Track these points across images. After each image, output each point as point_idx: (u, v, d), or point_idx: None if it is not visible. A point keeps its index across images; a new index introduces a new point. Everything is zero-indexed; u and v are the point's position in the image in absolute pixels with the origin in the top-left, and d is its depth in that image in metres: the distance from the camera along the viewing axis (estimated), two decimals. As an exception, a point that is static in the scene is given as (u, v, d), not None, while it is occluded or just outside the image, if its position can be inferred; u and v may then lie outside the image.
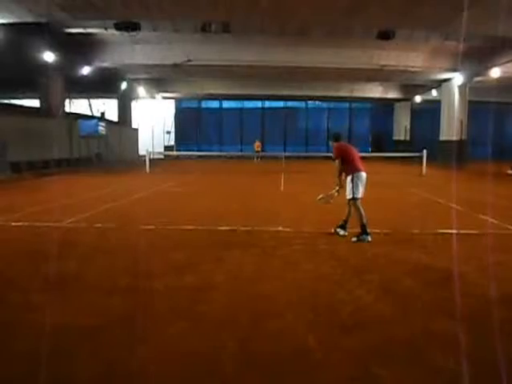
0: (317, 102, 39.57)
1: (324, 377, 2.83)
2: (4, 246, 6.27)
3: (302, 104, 40.07)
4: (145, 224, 7.67)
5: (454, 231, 7.21)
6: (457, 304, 3.95)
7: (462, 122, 25.21)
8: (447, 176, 19.15)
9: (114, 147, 26.18)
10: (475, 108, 28.39)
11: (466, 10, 13.39)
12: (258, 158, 28.98)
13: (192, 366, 2.96)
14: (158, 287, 4.45)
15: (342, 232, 6.89)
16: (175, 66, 22.36)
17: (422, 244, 6.43)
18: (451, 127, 25.62)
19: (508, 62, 20.14)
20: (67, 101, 25.30)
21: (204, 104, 40.25)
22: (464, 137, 25.37)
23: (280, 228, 7.39)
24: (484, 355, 3.08)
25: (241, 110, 40.04)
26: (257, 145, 30.58)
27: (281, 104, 39.70)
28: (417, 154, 20.51)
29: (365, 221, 6.60)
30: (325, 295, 4.27)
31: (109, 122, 27.53)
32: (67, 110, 24.14)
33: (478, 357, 3.05)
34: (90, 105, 33.70)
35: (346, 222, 6.90)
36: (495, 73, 21.20)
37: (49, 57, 18.77)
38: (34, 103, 25.05)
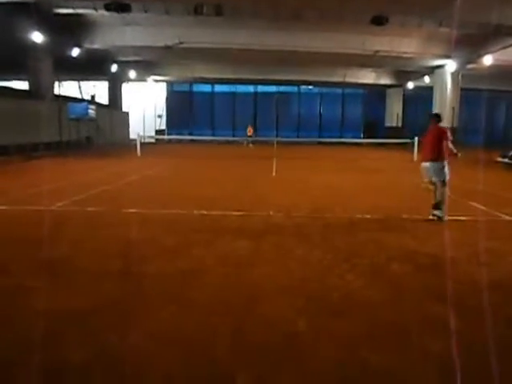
0: (309, 87, 39.37)
1: (314, 361, 2.86)
2: (-7, 230, 6.21)
3: (294, 89, 39.88)
4: (136, 208, 7.63)
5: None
6: (446, 289, 4.00)
7: (453, 109, 25.27)
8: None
9: (104, 131, 25.94)
10: (467, 95, 28.47)
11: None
12: (249, 142, 28.87)
13: (183, 350, 2.97)
14: (149, 271, 4.44)
15: (438, 213, 7.02)
16: (167, 48, 22.07)
17: (413, 230, 6.48)
18: (443, 114, 25.63)
19: (501, 49, 20.16)
20: (56, 83, 24.91)
21: (196, 88, 39.91)
22: (456, 124, 25.45)
23: (271, 213, 7.39)
24: (473, 339, 3.12)
25: (233, 94, 39.78)
26: (249, 129, 30.45)
27: (273, 88, 39.48)
28: (408, 141, 20.60)
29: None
30: (315, 280, 4.30)
31: (99, 105, 27.23)
32: (56, 92, 23.78)
33: (467, 341, 3.09)
34: (79, 87, 33.24)
35: (438, 203, 7.03)
36: (488, 60, 21.21)
37: (37, 37, 18.43)
38: (23, 85, 24.62)
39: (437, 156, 7.03)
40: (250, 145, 28.66)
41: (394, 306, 3.74)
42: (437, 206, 7.06)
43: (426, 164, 7.17)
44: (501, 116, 39.77)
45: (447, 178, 7.04)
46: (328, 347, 3.01)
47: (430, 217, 7.08)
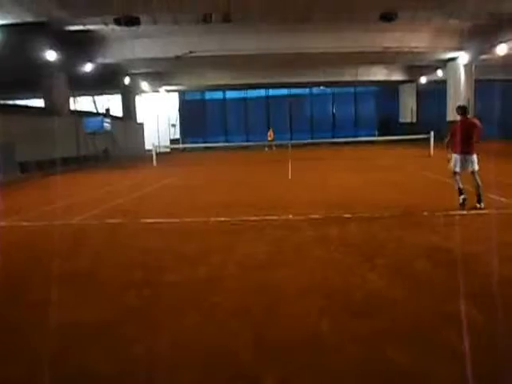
0: (321, 88, 39.27)
1: (337, 361, 2.85)
2: (17, 246, 6.34)
3: (306, 91, 39.82)
4: (154, 218, 7.71)
5: (465, 212, 7.17)
6: (469, 285, 3.94)
7: (468, 102, 24.90)
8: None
9: (120, 143, 26.27)
10: (481, 87, 28.01)
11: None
12: (270, 146, 28.63)
13: (207, 356, 2.99)
14: (169, 280, 4.48)
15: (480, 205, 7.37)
16: (177, 58, 22.28)
17: (433, 226, 6.41)
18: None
19: (514, 38, 19.80)
20: (71, 99, 25.35)
21: (208, 95, 40.16)
22: (471, 116, 25.09)
23: (290, 216, 7.39)
24: (497, 335, 3.07)
25: (245, 99, 39.90)
26: (269, 134, 30.25)
27: (285, 92, 39.47)
28: (424, 136, 20.35)
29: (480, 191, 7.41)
30: (336, 281, 4.28)
31: (114, 117, 27.60)
32: (72, 107, 24.20)
33: (492, 338, 3.05)
34: (94, 101, 33.74)
35: (479, 194, 7.42)
36: (501, 50, 20.85)
37: (51, 56, 18.81)
38: (39, 103, 25.12)
39: (473, 148, 7.50)
40: (274, 148, 28.45)
41: (416, 303, 3.70)
42: (480, 198, 7.37)
43: (459, 157, 7.50)
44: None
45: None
46: (352, 347, 3.00)
47: (478, 207, 7.33)
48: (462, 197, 7.36)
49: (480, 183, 7.40)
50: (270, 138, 29.74)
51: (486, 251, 5.02)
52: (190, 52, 21.62)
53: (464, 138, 7.42)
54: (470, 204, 7.33)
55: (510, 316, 3.31)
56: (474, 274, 4.28)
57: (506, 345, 2.89)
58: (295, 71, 30.93)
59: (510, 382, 2.57)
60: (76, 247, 5.97)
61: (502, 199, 8.08)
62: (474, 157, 7.47)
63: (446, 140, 7.87)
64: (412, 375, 2.68)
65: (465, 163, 7.46)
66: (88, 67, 21.98)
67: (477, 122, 7.69)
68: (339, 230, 6.37)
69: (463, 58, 24.04)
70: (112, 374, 2.82)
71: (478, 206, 7.31)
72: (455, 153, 7.59)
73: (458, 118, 7.89)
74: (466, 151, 7.44)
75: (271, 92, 39.51)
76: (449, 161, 7.80)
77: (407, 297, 3.81)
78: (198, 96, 40.11)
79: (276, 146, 28.42)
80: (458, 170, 7.54)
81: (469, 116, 7.87)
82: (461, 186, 7.48)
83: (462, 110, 7.84)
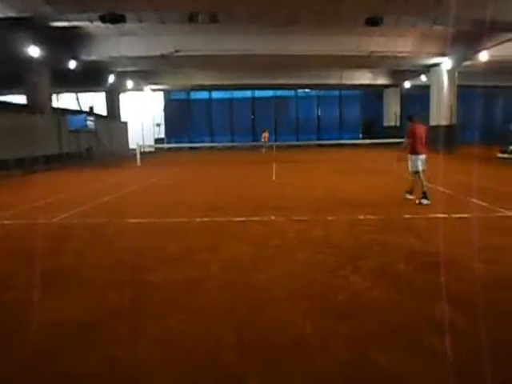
0: (306, 91, 39.46)
1: (322, 363, 2.85)
2: (-4, 244, 6.21)
3: (291, 93, 39.98)
4: (137, 218, 7.64)
5: (446, 215, 7.26)
6: (450, 288, 3.98)
7: (451, 107, 25.28)
8: (437, 161, 19.22)
9: (103, 141, 26.00)
10: (464, 92, 28.48)
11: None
12: (265, 148, 28.17)
13: (190, 357, 2.96)
14: (153, 280, 4.44)
15: (425, 201, 8.32)
16: (163, 57, 22.14)
17: (415, 229, 6.48)
18: (441, 112, 25.69)
19: (496, 44, 20.18)
20: (54, 96, 25.00)
21: (193, 95, 40.00)
22: (454, 121, 25.47)
23: (273, 218, 7.39)
24: (478, 338, 3.11)
25: (230, 100, 39.86)
26: (264, 135, 29.73)
27: (270, 93, 39.57)
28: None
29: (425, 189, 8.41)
30: (320, 283, 4.29)
31: (97, 116, 27.29)
32: (55, 105, 23.85)
33: (472, 340, 3.08)
34: (77, 99, 33.36)
35: (424, 192, 8.39)
36: (484, 56, 21.22)
37: (34, 51, 18.50)
38: (21, 99, 24.71)
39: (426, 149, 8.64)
40: (263, 150, 27.85)
41: (399, 306, 3.73)
42: (425, 195, 8.34)
43: (422, 157, 8.52)
44: (498, 112, 39.75)
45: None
46: (336, 349, 3.01)
47: (417, 201, 8.41)
48: (426, 201, 8.26)
49: (425, 181, 8.47)
50: (265, 139, 29.47)
51: (468, 254, 5.09)
52: (176, 51, 21.50)
53: (421, 141, 8.52)
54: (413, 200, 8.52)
55: (490, 318, 3.35)
56: (456, 276, 4.33)
57: (487, 347, 2.93)
58: (281, 73, 31.02)
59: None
60: (56, 246, 5.88)
61: (484, 204, 8.21)
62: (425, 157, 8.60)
63: (406, 143, 8.69)
64: (394, 377, 2.69)
65: (423, 163, 8.50)
66: (72, 64, 21.66)
67: (426, 127, 8.97)
68: (322, 231, 6.38)
69: (446, 63, 24.40)
70: (93, 374, 2.78)
71: (425, 202, 8.25)
72: (416, 154, 8.47)
73: (412, 124, 8.81)
74: (423, 152, 8.53)
75: (257, 93, 39.56)
76: (398, 160, 8.94)
77: (390, 299, 3.84)
78: (183, 96, 39.93)
79: (266, 148, 27.90)
80: (421, 168, 8.47)
81: (417, 122, 8.86)
82: (425, 182, 8.46)
83: (410, 118, 8.98)
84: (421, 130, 8.60)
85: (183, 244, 5.88)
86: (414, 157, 8.50)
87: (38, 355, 3.01)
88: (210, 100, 39.97)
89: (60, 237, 6.46)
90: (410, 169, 8.65)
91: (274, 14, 17.51)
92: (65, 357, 3.00)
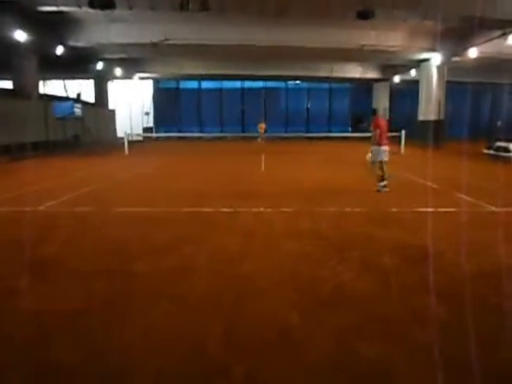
0: (296, 82, 39.37)
1: (307, 354, 2.88)
2: (-20, 231, 6.14)
3: (281, 84, 39.83)
4: (125, 207, 7.61)
5: (432, 209, 7.35)
6: (435, 281, 4.05)
7: (439, 102, 25.46)
8: (425, 155, 19.44)
9: (91, 129, 25.70)
10: (453, 88, 28.69)
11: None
12: (261, 138, 27.93)
13: (176, 348, 2.98)
14: (140, 270, 4.44)
15: (383, 185, 9.13)
16: (152, 45, 21.85)
17: (401, 222, 6.55)
18: (429, 107, 25.86)
19: (485, 42, 20.31)
20: (41, 82, 24.58)
21: (182, 84, 39.62)
22: (442, 117, 25.66)
23: (261, 209, 7.41)
24: (461, 330, 3.17)
25: (220, 90, 39.57)
26: (261, 126, 29.39)
27: (260, 84, 39.37)
28: (396, 134, 20.73)
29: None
30: (307, 274, 4.33)
31: (85, 103, 26.94)
32: (42, 91, 23.46)
33: (456, 331, 3.15)
34: (65, 86, 32.85)
35: (384, 177, 9.15)
36: (473, 53, 21.37)
37: (21, 36, 18.13)
38: (7, 85, 24.26)
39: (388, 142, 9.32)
40: (260, 139, 27.75)
41: (384, 297, 3.78)
42: (383, 179, 9.10)
43: (385, 148, 9.13)
44: (486, 108, 40.16)
45: None
46: (322, 340, 3.04)
47: (379, 188, 9.10)
48: (385, 182, 9.09)
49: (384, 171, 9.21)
50: (261, 130, 29.10)
51: (453, 247, 5.17)
52: (166, 39, 21.25)
53: (385, 133, 9.17)
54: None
55: (474, 310, 3.41)
56: (441, 268, 4.40)
57: (470, 338, 2.99)
58: (271, 64, 30.86)
59: (474, 376, 2.66)
60: (43, 235, 5.83)
61: (469, 199, 8.33)
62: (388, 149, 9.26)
63: (374, 134, 9.18)
64: (379, 367, 2.74)
65: (385, 154, 9.13)
66: (59, 50, 21.26)
67: (387, 121, 9.75)
68: (310, 223, 6.42)
69: (436, 59, 24.52)
70: (78, 364, 2.78)
71: (382, 184, 9.10)
72: (379, 145, 9.08)
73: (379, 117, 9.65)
74: (386, 144, 9.18)
75: (247, 84, 39.33)
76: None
77: (376, 290, 3.89)
78: (172, 84, 39.52)
79: (263, 138, 27.79)
80: (385, 158, 9.14)
81: (380, 116, 9.74)
82: (386, 175, 9.18)
83: (374, 112, 9.93)
84: (383, 123, 9.27)
85: (170, 234, 5.87)
86: (378, 148, 9.09)
87: (24, 345, 3.00)
88: (199, 90, 39.64)
89: (46, 225, 6.41)
90: (370, 159, 9.26)
91: (265, 5, 17.38)
92: (48, 346, 2.99)
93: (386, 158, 9.14)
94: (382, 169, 9.18)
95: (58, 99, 24.84)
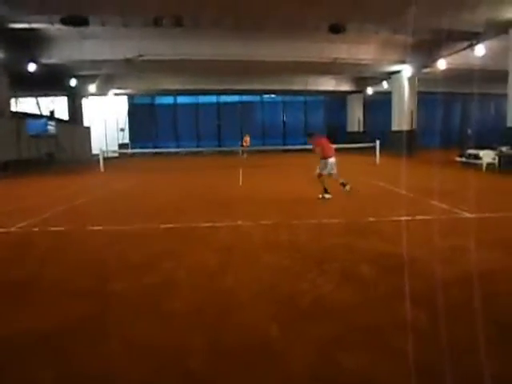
0: (272, 96, 39.74)
1: (288, 366, 2.86)
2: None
3: (257, 98, 40.15)
4: (101, 225, 7.48)
5: (408, 218, 7.46)
6: (413, 288, 4.08)
7: (412, 113, 26.05)
8: (399, 165, 19.79)
9: (65, 147, 25.33)
10: (424, 99, 29.41)
11: (414, 5, 13.83)
12: (244, 152, 27.55)
13: (157, 363, 2.92)
14: (118, 288, 4.35)
15: (327, 196, 9.88)
16: (126, 61, 21.79)
17: (378, 232, 6.61)
18: (402, 118, 26.44)
19: (453, 53, 20.97)
20: (13, 100, 24.16)
21: (158, 100, 39.56)
22: (414, 126, 26.24)
23: (240, 222, 7.39)
24: (442, 337, 3.20)
25: (196, 105, 39.61)
26: (245, 139, 29.06)
27: (236, 98, 39.59)
28: (370, 145, 21.07)
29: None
30: (286, 286, 4.32)
31: (59, 120, 26.60)
32: (14, 109, 23.05)
33: (436, 339, 3.17)
34: (37, 103, 32.37)
35: (327, 188, 9.91)
36: (442, 64, 21.99)
37: (-9, 53, 17.86)
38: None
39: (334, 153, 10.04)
40: (245, 154, 27.36)
41: (365, 307, 3.79)
42: (326, 191, 9.85)
43: (333, 159, 9.85)
44: (456, 117, 41.24)
45: None
46: (302, 352, 3.03)
47: (321, 196, 9.84)
48: (328, 196, 9.82)
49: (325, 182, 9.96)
50: (245, 144, 28.71)
51: (430, 255, 5.24)
52: (140, 55, 21.22)
53: (328, 147, 9.96)
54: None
55: (452, 317, 3.45)
56: (419, 276, 4.44)
57: (448, 345, 3.02)
58: (246, 78, 31.12)
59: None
60: (15, 256, 5.67)
61: (444, 206, 8.48)
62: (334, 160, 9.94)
63: (317, 151, 10.01)
64: (360, 378, 2.73)
65: (332, 165, 9.86)
66: (32, 67, 21.00)
67: (325, 137, 10.57)
68: (288, 236, 6.43)
69: (407, 70, 25.15)
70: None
71: (327, 196, 9.84)
72: (326, 158, 9.81)
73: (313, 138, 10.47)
74: (332, 155, 9.88)
75: (222, 98, 39.49)
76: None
77: (356, 301, 3.90)
78: (148, 100, 39.41)
79: (247, 152, 27.44)
80: (332, 171, 9.89)
81: (317, 136, 10.53)
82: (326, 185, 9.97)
83: (310, 135, 10.89)
84: (323, 140, 10.19)
85: (148, 251, 5.79)
86: (325, 161, 9.84)
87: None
88: (175, 105, 39.61)
89: (20, 245, 6.24)
90: (318, 171, 9.93)
91: (239, 19, 17.57)
92: (26, 367, 2.90)
93: (333, 171, 9.89)
94: (325, 179, 9.98)
95: (31, 117, 24.45)
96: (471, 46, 19.16)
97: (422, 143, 28.99)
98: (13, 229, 7.28)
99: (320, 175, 9.95)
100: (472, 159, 16.51)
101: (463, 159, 17.18)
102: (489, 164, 15.75)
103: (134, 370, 2.86)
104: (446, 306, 3.66)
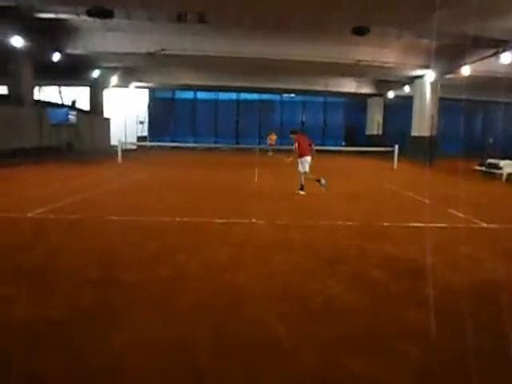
0: (292, 96, 39.64)
1: (294, 366, 2.87)
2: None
3: (276, 97, 40.06)
4: (117, 215, 7.56)
5: (423, 224, 7.38)
6: (424, 295, 4.05)
7: (432, 118, 25.71)
8: (418, 171, 19.57)
9: (85, 137, 25.63)
10: (446, 105, 29.01)
11: (438, 10, 13.65)
12: (270, 151, 27.35)
13: (165, 357, 2.95)
14: (131, 278, 4.40)
15: (302, 192, 10.65)
16: (149, 54, 21.95)
17: (393, 237, 6.57)
18: (422, 123, 26.10)
19: (478, 60, 20.62)
20: (37, 88, 24.52)
21: (178, 94, 39.76)
22: (434, 133, 25.91)
23: (253, 220, 7.41)
24: (451, 344, 3.17)
25: (215, 101, 39.72)
26: (270, 137, 28.74)
27: (256, 96, 39.58)
28: (389, 149, 20.87)
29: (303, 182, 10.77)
30: (297, 285, 4.32)
31: (80, 110, 26.91)
32: (37, 97, 23.39)
33: (445, 346, 3.14)
34: (60, 93, 32.82)
35: (303, 186, 10.73)
36: (466, 71, 21.66)
37: (17, 42, 18.15)
38: (2, 90, 24.20)
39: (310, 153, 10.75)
40: (270, 153, 27.23)
41: (374, 310, 3.78)
42: (302, 188, 10.64)
43: (309, 158, 10.65)
44: (478, 125, 40.62)
45: None
46: (308, 353, 3.03)
47: (298, 192, 10.61)
48: (303, 192, 10.57)
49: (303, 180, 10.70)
50: (270, 142, 28.41)
51: (443, 262, 5.19)
52: (163, 50, 21.35)
53: (306, 147, 10.67)
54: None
55: (463, 325, 3.42)
56: (431, 283, 4.40)
57: (460, 352, 2.99)
58: (267, 77, 31.07)
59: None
60: (31, 242, 5.77)
61: (461, 214, 8.38)
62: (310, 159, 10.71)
63: (295, 149, 10.76)
64: (364, 381, 2.72)
65: (308, 163, 10.63)
66: (56, 57, 21.28)
67: (307, 136, 11.31)
68: (301, 236, 6.42)
69: (430, 76, 24.82)
70: (64, 373, 2.74)
71: (302, 193, 10.59)
72: (303, 157, 10.60)
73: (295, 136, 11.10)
74: (308, 155, 10.64)
75: (242, 96, 39.52)
76: (288, 159, 11.31)
77: (365, 303, 3.89)
78: (168, 94, 39.64)
79: (273, 151, 27.18)
80: (307, 168, 10.62)
81: (300, 134, 11.23)
82: (311, 176, 10.86)
83: (294, 131, 11.34)
84: (304, 138, 10.89)
85: (163, 243, 5.85)
86: (302, 159, 10.62)
87: (8, 354, 2.95)
88: (194, 100, 39.78)
89: (36, 232, 6.35)
90: (300, 169, 10.68)
91: (262, 18, 17.55)
92: (37, 354, 2.95)
93: (306, 169, 10.67)
94: (306, 176, 10.79)
95: (53, 106, 24.79)
96: (497, 53, 18.82)
97: (442, 150, 28.60)
98: (30, 214, 7.41)
99: (304, 172, 10.70)
100: (492, 169, 16.24)
101: (483, 168, 16.90)
102: (509, 174, 15.47)
103: (140, 363, 2.89)
104: (453, 313, 3.63)
